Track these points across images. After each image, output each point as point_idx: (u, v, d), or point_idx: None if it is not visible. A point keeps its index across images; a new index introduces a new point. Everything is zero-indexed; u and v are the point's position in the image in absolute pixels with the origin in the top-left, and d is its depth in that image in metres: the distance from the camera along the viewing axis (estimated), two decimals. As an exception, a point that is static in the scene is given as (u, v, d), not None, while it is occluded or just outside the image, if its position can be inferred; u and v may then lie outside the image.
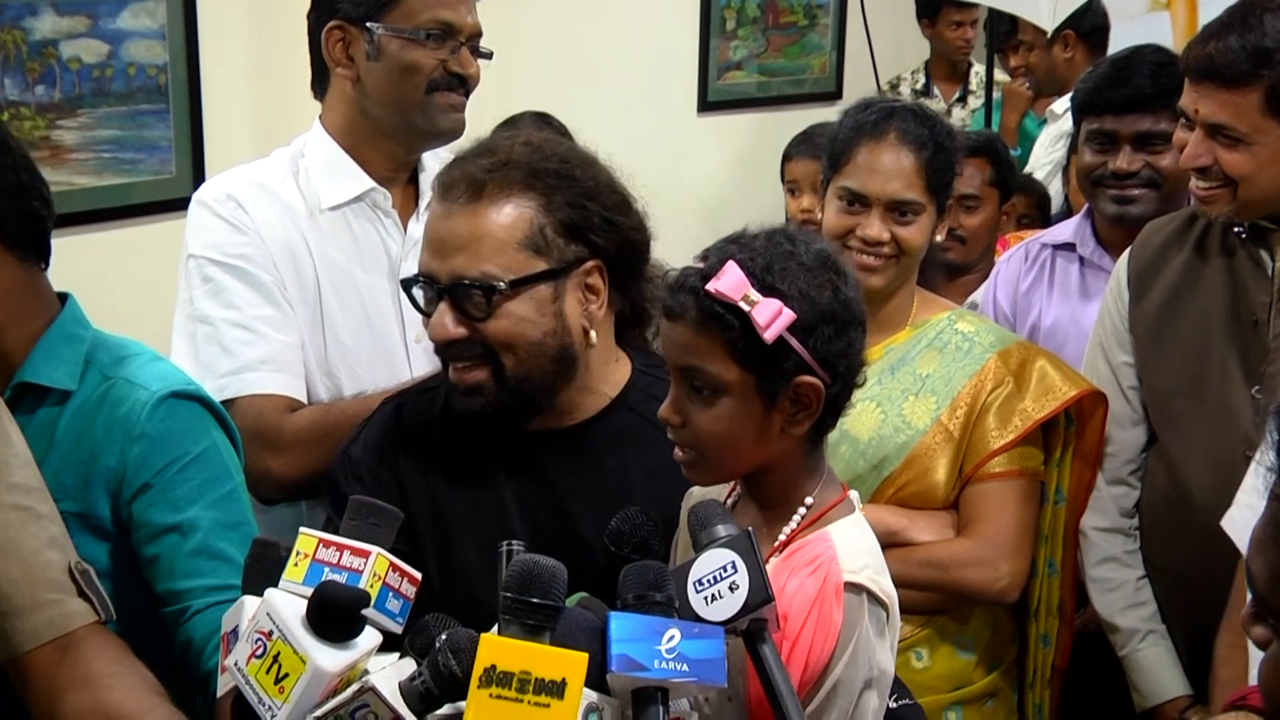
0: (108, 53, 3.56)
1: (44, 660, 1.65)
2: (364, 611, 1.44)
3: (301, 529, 1.50)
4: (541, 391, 1.86)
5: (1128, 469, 2.51)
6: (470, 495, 1.91)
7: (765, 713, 1.41)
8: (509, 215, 1.82)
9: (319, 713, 1.39)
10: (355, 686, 1.39)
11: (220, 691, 1.49)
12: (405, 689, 1.39)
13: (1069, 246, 2.94)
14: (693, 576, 1.40)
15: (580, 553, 1.76)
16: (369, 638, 1.45)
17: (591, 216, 1.85)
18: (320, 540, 1.48)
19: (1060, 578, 2.40)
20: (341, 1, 2.24)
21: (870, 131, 2.31)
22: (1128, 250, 2.54)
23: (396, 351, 2.30)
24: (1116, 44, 4.35)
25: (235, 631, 1.47)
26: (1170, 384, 2.43)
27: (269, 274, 2.22)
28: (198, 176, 3.62)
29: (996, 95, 4.93)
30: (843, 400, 1.61)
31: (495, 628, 1.37)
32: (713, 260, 1.57)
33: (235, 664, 1.43)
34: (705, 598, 1.39)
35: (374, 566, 1.47)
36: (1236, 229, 2.35)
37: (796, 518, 1.62)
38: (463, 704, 1.31)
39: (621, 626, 1.34)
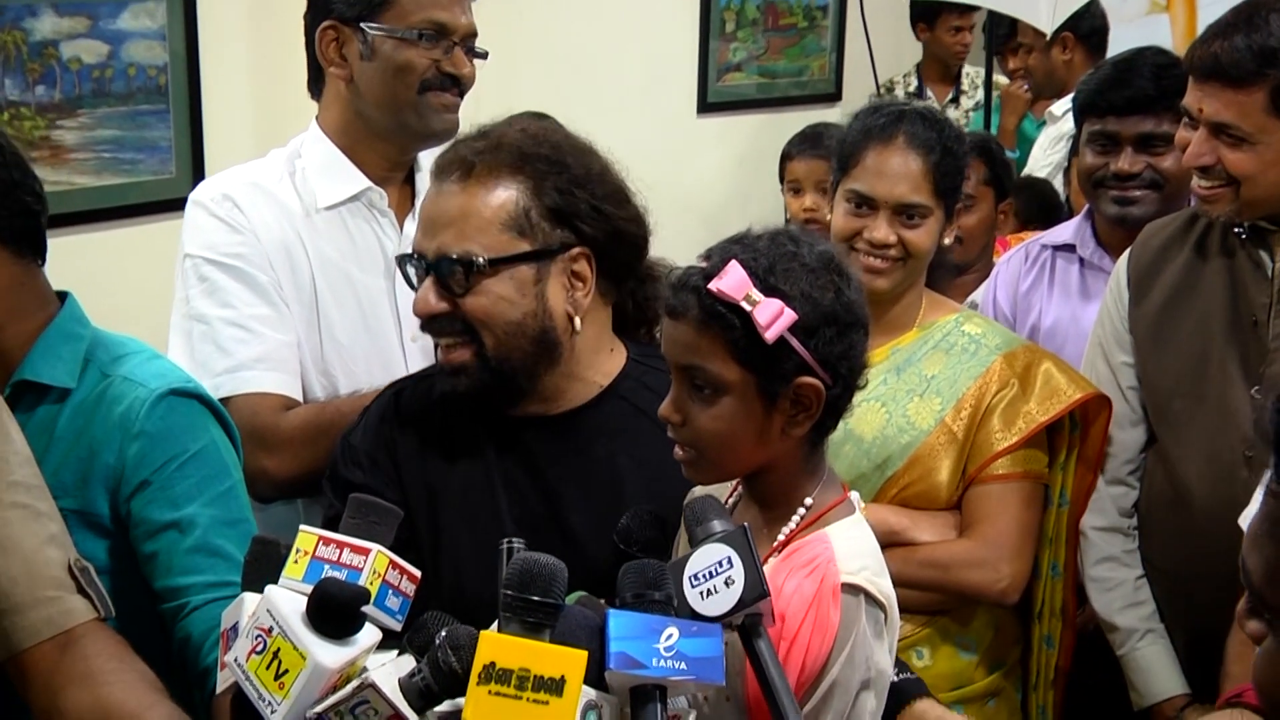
0: (108, 53, 3.57)
1: (44, 657, 1.65)
2: (364, 609, 1.44)
3: (301, 527, 1.51)
4: (522, 374, 1.87)
5: (1127, 469, 2.50)
6: (462, 478, 1.92)
7: (764, 712, 1.41)
8: (496, 196, 1.85)
9: (319, 709, 1.40)
10: (355, 683, 1.40)
11: (220, 688, 1.50)
12: (405, 685, 1.39)
13: (1069, 247, 2.94)
14: (688, 572, 1.40)
15: (566, 539, 1.78)
16: (369, 634, 1.45)
17: (579, 204, 1.87)
18: (320, 538, 1.48)
19: (1063, 580, 2.40)
20: (335, 2, 2.24)
21: (879, 135, 2.32)
22: (1128, 251, 2.54)
23: (393, 350, 2.31)
24: (1115, 46, 4.36)
25: (235, 628, 1.47)
26: (1170, 384, 2.43)
27: (265, 273, 2.23)
28: (197, 176, 3.62)
29: (995, 97, 4.94)
30: (843, 402, 1.62)
31: (495, 624, 1.37)
32: (715, 260, 1.58)
33: (235, 660, 1.43)
34: (701, 593, 1.39)
35: (374, 564, 1.47)
36: (1236, 229, 2.35)
37: (796, 518, 1.62)
38: (462, 700, 1.31)
39: (620, 624, 1.35)
